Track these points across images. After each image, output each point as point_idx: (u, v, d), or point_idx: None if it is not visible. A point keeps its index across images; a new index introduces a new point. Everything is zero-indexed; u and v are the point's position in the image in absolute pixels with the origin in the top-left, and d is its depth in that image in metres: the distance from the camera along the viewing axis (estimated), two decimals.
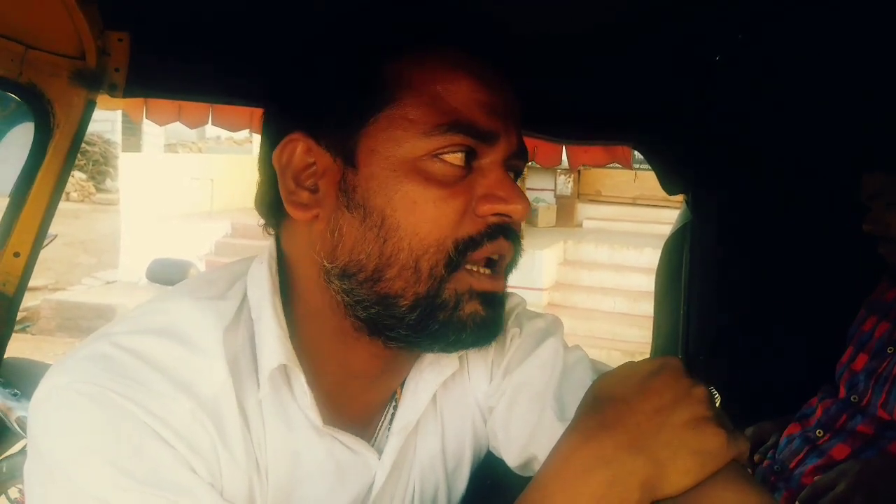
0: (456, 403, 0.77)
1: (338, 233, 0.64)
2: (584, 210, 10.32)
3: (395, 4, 0.68)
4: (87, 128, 1.28)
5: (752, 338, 1.79)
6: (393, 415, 0.73)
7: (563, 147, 1.76)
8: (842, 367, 1.56)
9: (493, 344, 0.74)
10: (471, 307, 0.64)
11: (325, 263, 0.65)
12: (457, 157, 0.64)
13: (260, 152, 0.70)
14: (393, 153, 0.63)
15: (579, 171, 10.02)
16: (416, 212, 0.62)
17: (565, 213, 10.16)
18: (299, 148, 0.65)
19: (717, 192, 1.78)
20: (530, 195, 10.22)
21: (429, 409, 0.75)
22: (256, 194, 0.71)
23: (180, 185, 9.43)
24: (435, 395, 0.75)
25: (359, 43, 0.66)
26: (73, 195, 15.18)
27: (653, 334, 1.88)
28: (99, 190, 16.11)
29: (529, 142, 1.77)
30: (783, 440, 1.54)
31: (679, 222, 1.84)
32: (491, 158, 0.65)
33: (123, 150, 11.39)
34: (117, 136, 14.17)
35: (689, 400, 0.57)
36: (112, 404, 0.56)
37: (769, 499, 0.61)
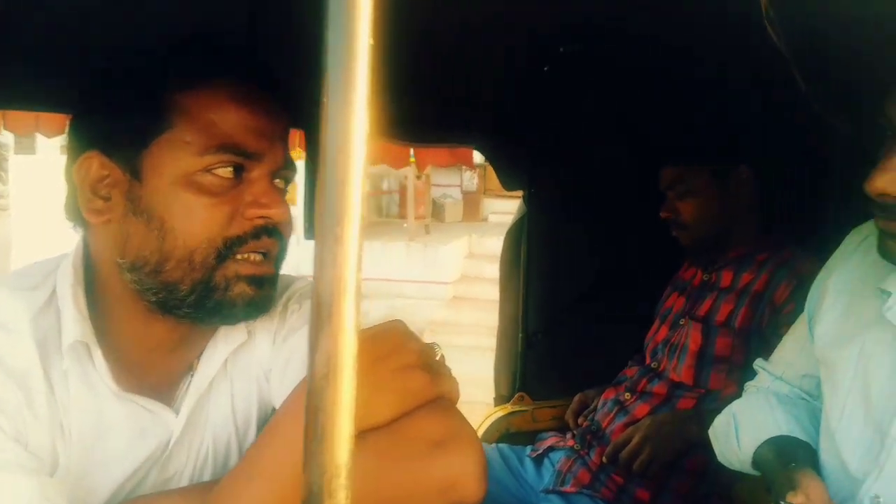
0: (244, 368, 0.92)
1: (126, 234, 0.78)
2: (490, 205, 10.63)
3: (175, 44, 0.82)
4: None
5: (582, 317, 2.02)
6: (191, 381, 0.88)
7: (411, 149, 1.93)
8: (649, 339, 1.80)
9: (276, 317, 0.91)
10: (239, 288, 0.80)
11: (118, 259, 0.79)
12: (226, 171, 0.78)
13: (65, 165, 0.83)
14: (171, 169, 0.77)
15: (485, 168, 10.32)
16: (190, 216, 0.77)
17: (471, 208, 10.44)
18: (95, 163, 0.79)
19: (549, 188, 2.00)
20: (437, 191, 10.43)
21: (221, 374, 0.89)
22: (64, 200, 0.84)
23: None
24: (226, 363, 0.90)
25: (143, 76, 0.80)
26: None
27: (499, 315, 2.08)
28: None
29: (380, 145, 1.94)
30: (600, 403, 1.77)
31: (518, 215, 2.05)
32: (258, 172, 0.80)
33: (16, 153, 10.90)
34: (8, 138, 13.51)
35: (400, 352, 0.73)
36: None
37: (461, 425, 0.77)
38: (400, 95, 1.71)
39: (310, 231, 1.69)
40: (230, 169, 0.78)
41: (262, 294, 0.82)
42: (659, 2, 1.62)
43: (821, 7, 1.14)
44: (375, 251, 8.40)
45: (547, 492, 1.66)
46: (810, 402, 1.14)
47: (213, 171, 0.78)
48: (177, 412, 0.86)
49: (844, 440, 0.96)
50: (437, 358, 0.80)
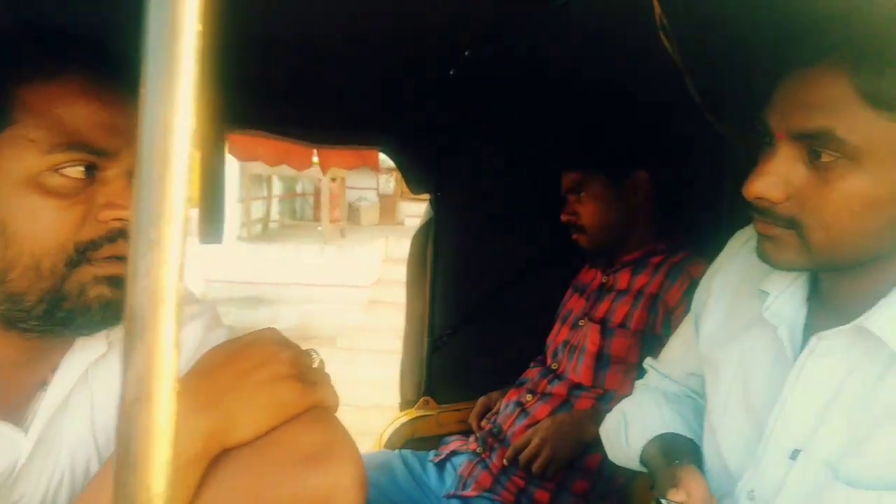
0: (106, 382, 0.86)
1: None
2: (406, 208, 10.61)
3: (17, 36, 0.75)
4: None
5: (487, 319, 2.03)
6: (44, 397, 0.81)
7: (315, 150, 1.88)
8: (550, 340, 1.82)
9: None
10: (96, 291, 0.74)
11: None
12: (77, 171, 0.72)
13: None
14: (14, 169, 0.70)
15: None
16: (37, 221, 0.70)
17: (388, 211, 10.39)
18: None
19: (456, 192, 2.00)
20: (353, 194, 10.33)
21: (80, 389, 0.83)
22: None
23: None
24: (87, 375, 0.83)
25: None
26: None
27: (405, 317, 2.06)
28: None
29: (281, 146, 1.89)
30: (503, 406, 1.77)
31: (425, 217, 2.04)
32: (113, 171, 0.75)
33: None
34: None
35: (271, 362, 0.70)
36: None
37: (337, 435, 0.74)
38: (300, 95, 1.67)
39: (205, 234, 1.62)
40: (81, 168, 0.72)
41: (122, 296, 0.77)
42: (560, 12, 1.64)
43: (709, 19, 1.17)
44: (288, 255, 8.23)
45: (448, 496, 1.65)
46: (696, 399, 1.17)
47: (62, 171, 0.71)
48: (27, 431, 0.80)
49: (725, 437, 0.98)
50: (316, 365, 0.77)
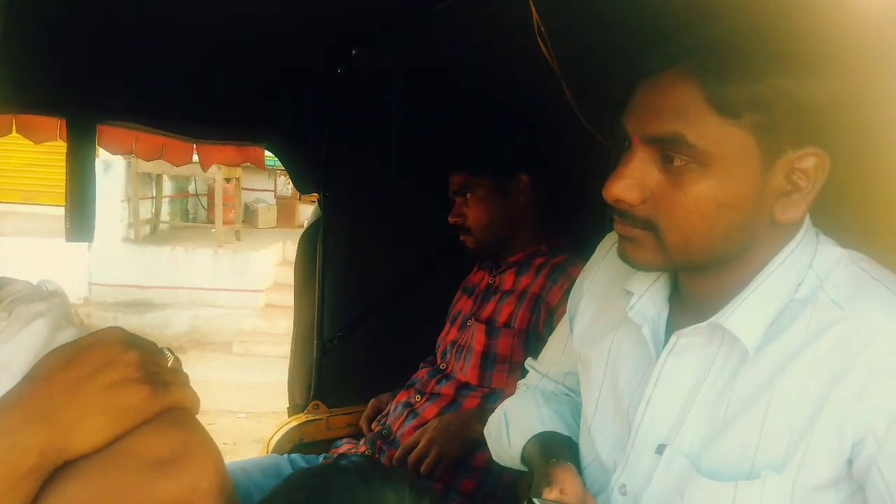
0: None
1: None
2: (305, 211, 10.40)
3: None
4: None
5: (377, 321, 2.01)
6: None
7: (195, 146, 1.82)
8: (440, 341, 1.83)
9: None
10: None
11: None
12: None
13: None
14: None
15: None
16: None
17: (286, 213, 10.15)
18: None
19: (344, 192, 1.97)
20: (249, 196, 10.03)
21: None
22: None
23: None
24: None
25: None
26: None
27: (294, 320, 2.02)
28: None
29: (158, 140, 1.80)
30: (392, 407, 1.77)
31: (313, 217, 2.00)
32: None
33: None
34: None
35: (114, 365, 0.65)
36: None
37: (195, 437, 0.71)
38: (175, 86, 1.61)
39: (72, 233, 1.52)
40: None
41: None
42: (445, 14, 1.65)
43: (580, 26, 1.21)
44: (179, 257, 7.91)
45: None
46: (574, 398, 1.20)
47: None
48: None
49: (598, 433, 1.01)
50: (170, 364, 0.73)
